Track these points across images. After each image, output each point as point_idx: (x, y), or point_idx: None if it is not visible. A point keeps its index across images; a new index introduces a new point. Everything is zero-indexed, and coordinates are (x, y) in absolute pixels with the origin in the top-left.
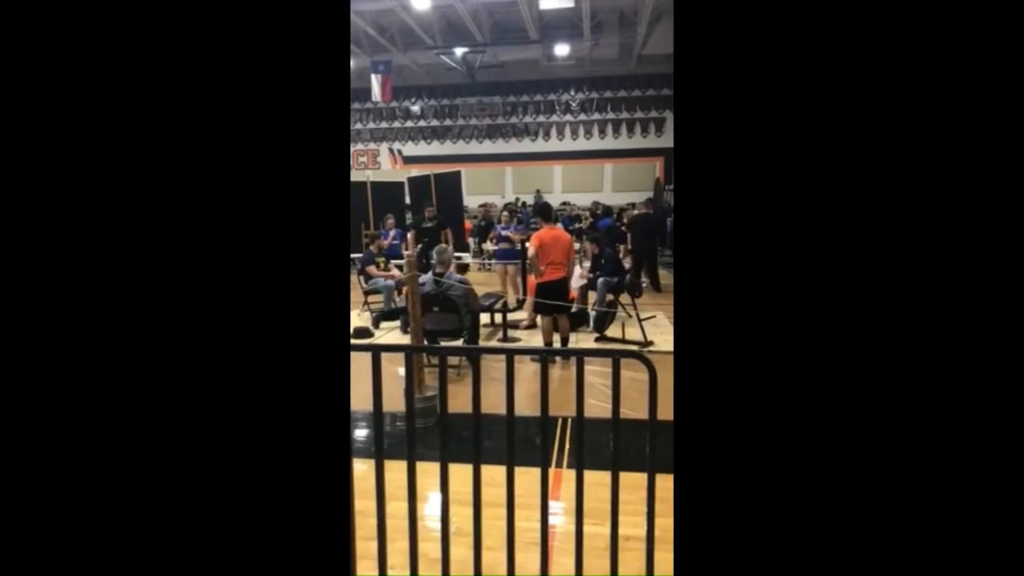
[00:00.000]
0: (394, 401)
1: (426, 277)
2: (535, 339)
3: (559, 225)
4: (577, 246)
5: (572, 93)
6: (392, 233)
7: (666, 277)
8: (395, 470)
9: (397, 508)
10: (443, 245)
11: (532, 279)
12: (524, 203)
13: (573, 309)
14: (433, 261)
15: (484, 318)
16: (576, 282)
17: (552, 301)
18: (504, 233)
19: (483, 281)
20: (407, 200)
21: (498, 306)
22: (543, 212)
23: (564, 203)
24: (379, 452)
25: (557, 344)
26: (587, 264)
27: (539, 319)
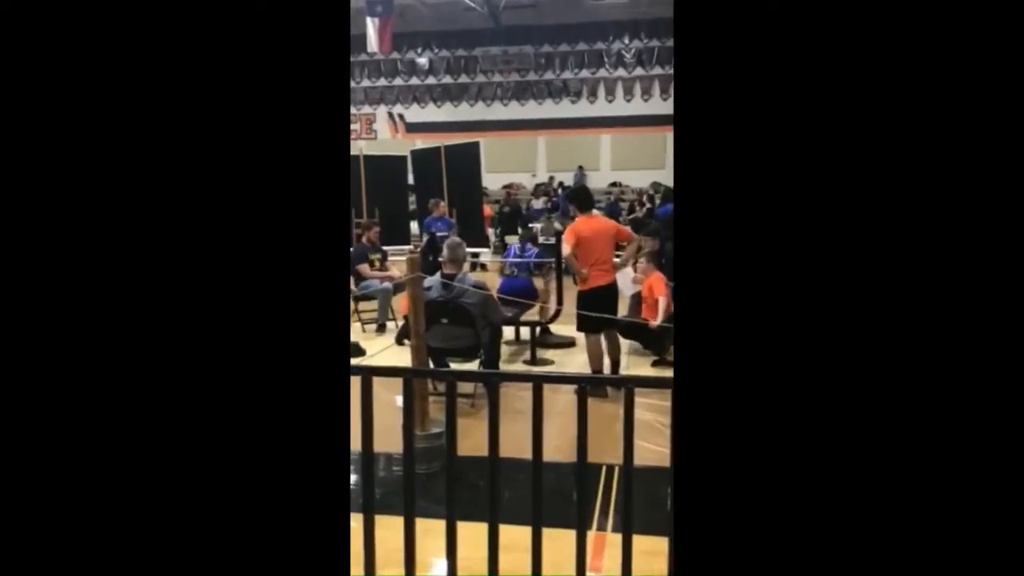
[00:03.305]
0: (389, 439)
1: (432, 280)
2: (574, 360)
3: (596, 213)
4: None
5: (625, 41)
6: (440, 224)
7: None
8: (388, 528)
9: None
10: (455, 239)
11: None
12: (561, 184)
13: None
14: (442, 258)
15: (507, 332)
16: (629, 288)
17: (600, 313)
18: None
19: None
20: (410, 179)
21: (527, 316)
22: (579, 198)
23: (614, 184)
24: (368, 505)
25: (608, 371)
26: (642, 264)
27: (584, 338)
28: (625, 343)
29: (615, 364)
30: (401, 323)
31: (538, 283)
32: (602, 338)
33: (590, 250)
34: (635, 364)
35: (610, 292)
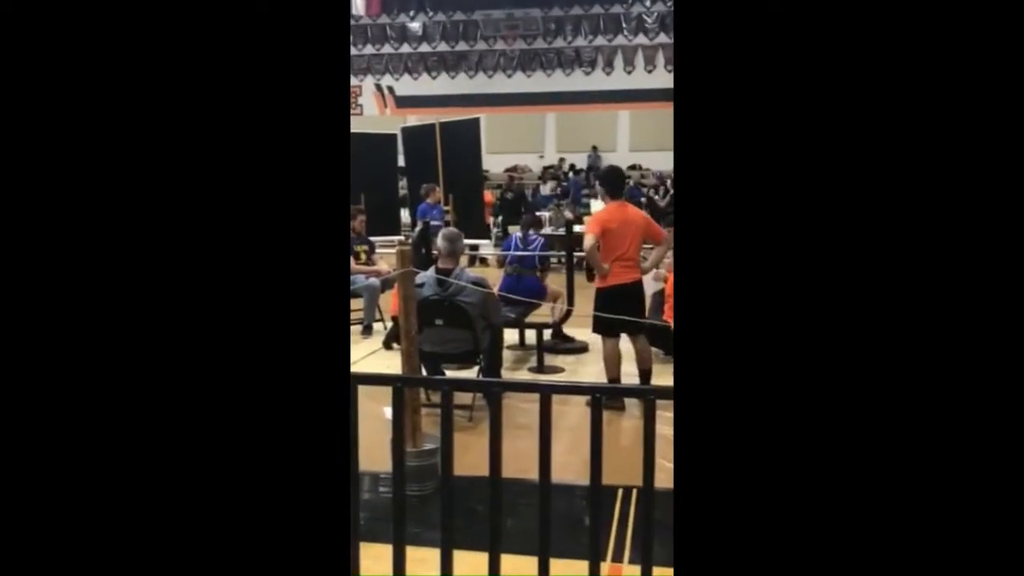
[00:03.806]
0: (376, 456)
1: (426, 275)
2: (588, 368)
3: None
4: None
5: (646, 4)
6: (435, 212)
7: None
8: (375, 557)
9: None
10: (454, 230)
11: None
12: (572, 166)
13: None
14: (436, 251)
15: (510, 336)
16: (650, 286)
17: (621, 314)
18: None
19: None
20: (401, 161)
21: (532, 317)
22: (610, 182)
23: (632, 166)
24: (352, 530)
25: (629, 380)
26: (667, 259)
27: (601, 342)
28: None
29: (645, 375)
30: (390, 324)
31: (549, 282)
32: (623, 343)
33: (615, 243)
34: (656, 372)
35: (633, 292)
